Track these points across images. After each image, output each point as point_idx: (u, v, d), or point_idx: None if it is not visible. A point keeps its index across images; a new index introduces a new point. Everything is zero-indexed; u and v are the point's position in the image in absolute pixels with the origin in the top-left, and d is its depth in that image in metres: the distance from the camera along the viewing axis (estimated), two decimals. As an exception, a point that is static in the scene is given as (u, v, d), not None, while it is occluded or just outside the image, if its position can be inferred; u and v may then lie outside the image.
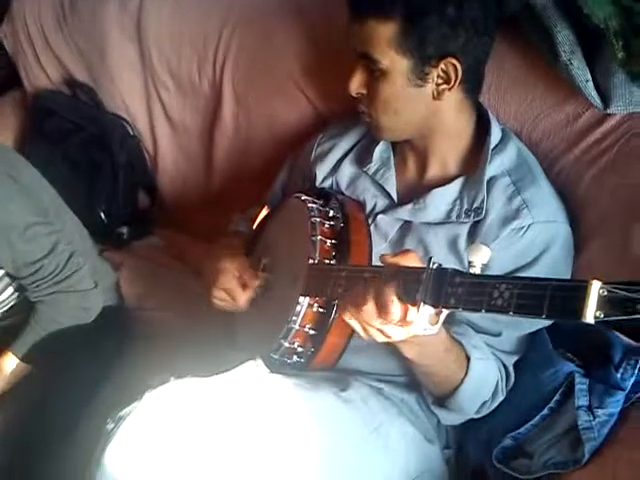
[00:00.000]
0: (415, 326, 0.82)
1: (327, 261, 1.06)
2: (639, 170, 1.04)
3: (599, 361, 1.06)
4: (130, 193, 1.68)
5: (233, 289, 1.15)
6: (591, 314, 0.61)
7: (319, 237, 1.07)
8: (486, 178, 1.08)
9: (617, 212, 1.07)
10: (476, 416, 1.08)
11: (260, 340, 1.16)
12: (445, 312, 0.81)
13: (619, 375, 1.03)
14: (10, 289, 1.27)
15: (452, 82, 1.04)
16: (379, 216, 1.15)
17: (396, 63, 1.03)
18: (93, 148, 1.64)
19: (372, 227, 1.14)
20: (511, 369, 1.09)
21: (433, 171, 1.14)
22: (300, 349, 1.07)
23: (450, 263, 1.04)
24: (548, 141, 1.16)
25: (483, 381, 1.05)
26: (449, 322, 1.00)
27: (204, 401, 0.97)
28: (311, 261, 1.06)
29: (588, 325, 0.61)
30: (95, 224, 1.60)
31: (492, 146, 1.10)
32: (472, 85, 1.09)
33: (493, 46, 1.07)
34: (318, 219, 1.10)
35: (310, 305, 1.05)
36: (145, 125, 1.65)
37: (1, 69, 1.86)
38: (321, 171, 1.24)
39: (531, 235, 1.05)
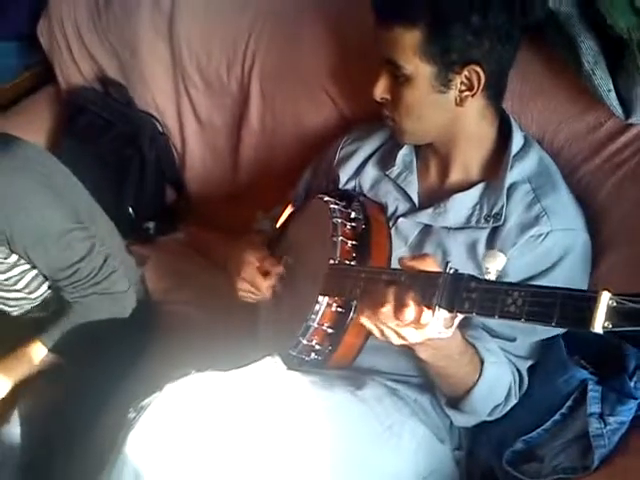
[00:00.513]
0: (430, 329, 0.84)
1: (347, 262, 1.08)
2: (659, 180, 1.05)
3: (613, 369, 1.06)
4: (158, 189, 1.72)
5: (255, 277, 1.19)
6: (600, 324, 0.63)
7: (340, 238, 1.10)
8: (507, 185, 1.09)
9: (635, 222, 1.07)
10: (488, 419, 1.10)
11: (279, 337, 1.18)
12: (460, 316, 0.83)
13: (632, 384, 1.03)
14: (44, 286, 1.31)
15: (475, 89, 1.05)
16: (400, 219, 1.17)
17: (420, 69, 1.04)
18: (123, 144, 1.67)
19: (393, 230, 1.16)
20: (525, 374, 1.10)
21: (455, 176, 1.16)
22: (318, 347, 1.10)
23: (469, 268, 1.08)
24: (570, 149, 1.16)
25: (496, 384, 1.06)
26: (465, 326, 1.02)
27: (222, 394, 1.00)
28: (332, 261, 1.08)
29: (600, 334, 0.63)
30: (123, 219, 1.63)
31: (514, 153, 1.11)
32: (495, 92, 1.10)
33: (517, 54, 1.08)
34: (340, 220, 1.12)
35: (329, 304, 1.07)
36: (174, 123, 1.68)
37: (37, 65, 1.91)
38: (344, 173, 1.26)
39: (549, 242, 1.06)
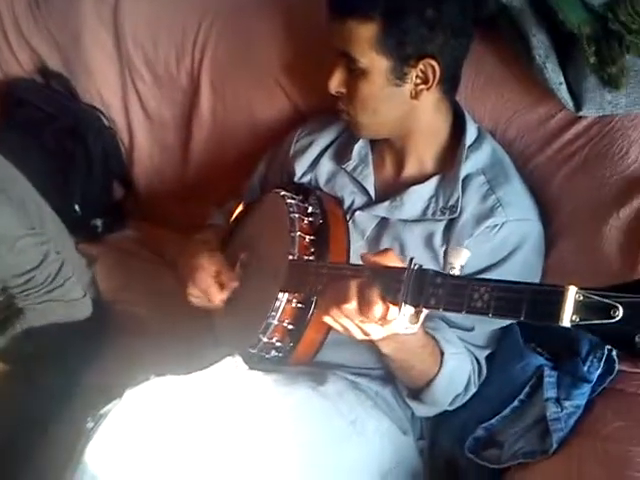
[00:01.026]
0: (396, 325, 0.84)
1: (306, 257, 1.08)
2: (609, 171, 1.07)
3: (567, 354, 1.10)
4: (105, 185, 1.66)
5: (210, 288, 1.16)
6: (568, 318, 0.64)
7: (298, 233, 1.09)
8: (461, 176, 1.11)
9: (586, 212, 1.10)
10: (449, 408, 1.12)
11: (239, 335, 1.17)
12: (425, 312, 0.83)
13: (586, 368, 1.06)
14: None
15: (430, 82, 1.06)
16: (357, 213, 1.17)
17: (375, 63, 1.04)
18: (67, 139, 1.61)
19: (350, 223, 1.16)
20: (483, 363, 1.12)
21: (410, 169, 1.16)
22: (279, 344, 1.09)
23: (426, 260, 1.09)
24: (522, 140, 1.18)
25: (456, 375, 1.08)
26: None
27: (184, 399, 0.98)
28: (290, 257, 1.07)
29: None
30: (69, 216, 1.58)
31: (467, 145, 1.12)
32: (449, 85, 1.11)
33: (470, 47, 1.09)
34: (297, 215, 1.11)
35: (289, 301, 1.06)
36: (121, 116, 1.63)
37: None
38: (300, 166, 1.25)
39: (504, 233, 1.08)
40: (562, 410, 1.05)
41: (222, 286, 1.17)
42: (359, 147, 1.20)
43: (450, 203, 1.10)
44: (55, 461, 0.99)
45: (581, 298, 0.64)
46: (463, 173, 1.11)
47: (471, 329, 1.10)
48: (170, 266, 1.54)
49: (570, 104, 1.07)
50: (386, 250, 0.89)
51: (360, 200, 1.18)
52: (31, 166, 1.53)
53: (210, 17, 1.47)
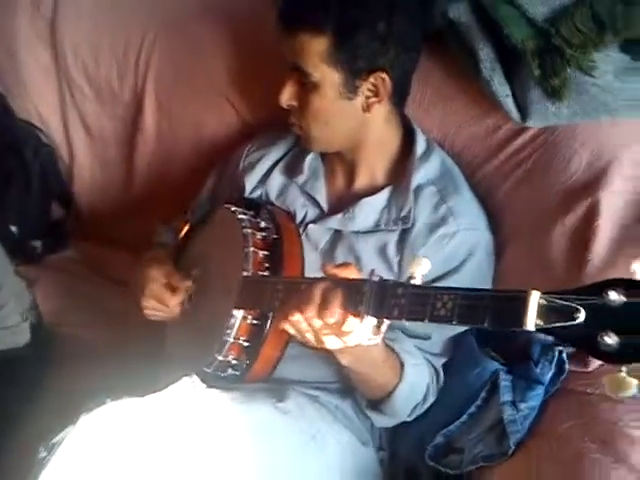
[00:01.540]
0: (358, 336, 0.84)
1: (260, 272, 1.07)
2: (552, 180, 1.11)
3: (520, 358, 1.13)
4: (43, 204, 1.60)
5: (162, 294, 1.14)
6: (532, 322, 0.65)
7: (252, 248, 1.07)
8: (412, 187, 1.12)
9: (533, 220, 1.13)
10: (408, 419, 1.12)
11: (193, 354, 1.14)
12: (387, 322, 0.84)
13: (538, 370, 1.09)
14: None
15: (381, 95, 1.08)
16: (310, 226, 1.17)
17: (327, 76, 1.05)
18: (3, 157, 1.55)
19: (303, 236, 1.15)
20: (441, 371, 1.13)
21: (361, 181, 1.17)
22: (235, 362, 1.07)
23: (381, 270, 1.09)
24: (469, 151, 1.21)
25: (416, 386, 1.08)
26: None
27: (141, 422, 0.94)
28: (245, 273, 1.06)
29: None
30: (6, 238, 1.52)
31: (417, 156, 1.14)
32: (399, 98, 1.13)
33: (419, 61, 1.12)
34: (250, 230, 1.10)
35: (244, 317, 1.05)
36: (60, 133, 1.58)
37: None
38: (250, 181, 1.24)
39: (456, 242, 1.10)
40: (518, 412, 1.08)
41: (174, 290, 1.14)
42: (310, 160, 1.20)
43: (402, 214, 1.12)
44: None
45: (544, 302, 0.65)
46: (414, 184, 1.13)
47: (428, 338, 1.10)
48: (116, 286, 1.50)
49: (516, 116, 1.10)
50: (346, 263, 0.89)
51: (312, 213, 1.18)
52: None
53: (153, 31, 1.45)
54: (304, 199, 1.20)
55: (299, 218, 1.18)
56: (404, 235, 1.12)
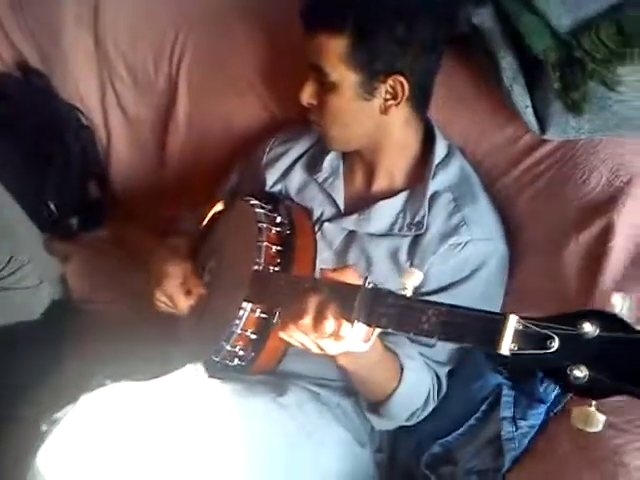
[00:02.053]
0: (348, 342, 0.85)
1: (272, 267, 1.08)
2: (570, 196, 1.08)
3: (526, 374, 1.11)
4: (81, 184, 1.66)
5: (176, 295, 1.17)
6: (507, 346, 0.64)
7: (265, 243, 1.09)
8: (429, 193, 1.11)
9: (548, 235, 1.11)
10: (407, 423, 1.12)
11: (203, 342, 1.17)
12: (377, 330, 0.84)
13: (542, 389, 1.07)
14: None
15: (399, 98, 1.07)
16: (325, 224, 1.17)
17: (345, 77, 1.05)
18: (45, 136, 1.61)
19: (318, 235, 1.16)
20: (444, 379, 1.13)
21: (380, 183, 1.17)
22: (242, 353, 1.09)
23: (391, 275, 1.10)
24: (490, 160, 1.19)
25: (415, 391, 1.08)
26: (385, 332, 1.03)
27: (139, 406, 0.97)
28: (256, 267, 1.07)
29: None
30: (45, 214, 1.58)
31: (436, 162, 1.13)
32: (419, 101, 1.12)
33: (442, 64, 1.10)
34: (265, 225, 1.11)
35: (253, 310, 1.06)
36: (99, 115, 1.63)
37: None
38: (271, 175, 1.25)
39: (468, 251, 1.09)
40: (517, 430, 1.06)
41: (189, 292, 1.17)
42: (331, 159, 1.20)
43: (416, 219, 1.11)
44: (6, 460, 0.99)
45: (520, 327, 0.64)
46: (431, 190, 1.12)
47: (432, 345, 1.10)
48: (142, 266, 1.55)
49: (535, 127, 1.07)
50: (346, 267, 0.89)
51: (329, 212, 1.19)
52: (7, 161, 1.54)
53: (189, 21, 1.48)
54: (322, 197, 1.20)
55: (316, 215, 1.19)
56: (416, 241, 1.11)
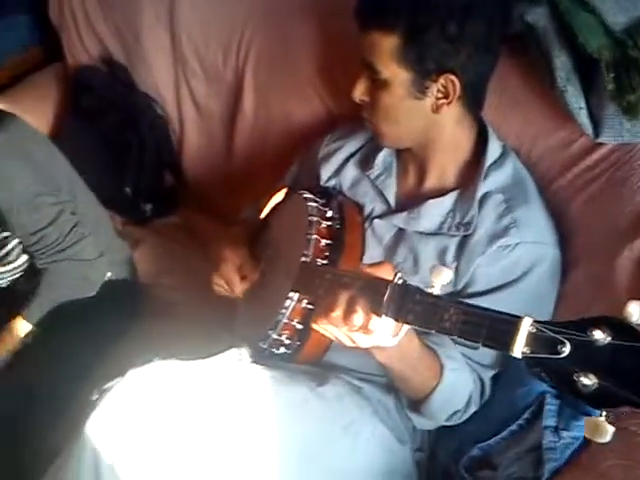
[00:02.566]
0: (377, 336, 0.86)
1: (319, 260, 1.10)
2: (625, 201, 1.04)
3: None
4: (156, 172, 1.75)
5: (232, 278, 1.21)
6: (519, 349, 0.64)
7: (315, 236, 1.11)
8: (479, 194, 1.10)
9: (601, 241, 1.07)
10: (447, 424, 1.11)
11: (253, 328, 1.21)
12: (406, 326, 0.84)
13: (589, 401, 1.04)
14: (24, 256, 1.34)
15: (450, 97, 1.06)
16: (375, 220, 1.18)
17: (397, 75, 1.05)
18: (124, 128, 1.70)
19: (368, 231, 1.17)
20: (487, 382, 1.11)
21: (431, 182, 1.17)
22: (288, 341, 1.11)
23: (437, 274, 1.08)
24: (544, 163, 1.16)
25: (455, 391, 1.07)
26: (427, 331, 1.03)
27: (183, 384, 1.02)
28: (304, 259, 1.10)
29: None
30: (121, 199, 1.68)
31: (490, 162, 1.12)
32: (473, 101, 1.10)
33: (497, 65, 1.08)
34: (316, 218, 1.13)
35: (300, 300, 1.08)
36: (173, 107, 1.71)
37: (46, 42, 1.94)
38: (326, 171, 1.27)
39: (517, 254, 1.06)
40: (559, 440, 1.03)
41: (244, 278, 1.21)
42: (384, 155, 1.21)
43: (465, 220, 1.10)
44: (58, 427, 1.06)
45: (534, 330, 0.63)
46: (482, 191, 1.10)
47: (476, 347, 1.09)
48: (206, 254, 1.61)
49: (589, 129, 1.04)
50: (382, 262, 0.90)
51: (380, 208, 1.20)
52: (90, 150, 1.65)
53: (255, 19, 1.53)
54: (374, 193, 1.21)
55: (367, 212, 1.20)
56: (464, 241, 1.10)
